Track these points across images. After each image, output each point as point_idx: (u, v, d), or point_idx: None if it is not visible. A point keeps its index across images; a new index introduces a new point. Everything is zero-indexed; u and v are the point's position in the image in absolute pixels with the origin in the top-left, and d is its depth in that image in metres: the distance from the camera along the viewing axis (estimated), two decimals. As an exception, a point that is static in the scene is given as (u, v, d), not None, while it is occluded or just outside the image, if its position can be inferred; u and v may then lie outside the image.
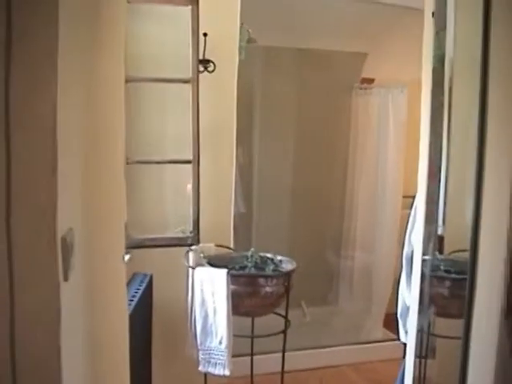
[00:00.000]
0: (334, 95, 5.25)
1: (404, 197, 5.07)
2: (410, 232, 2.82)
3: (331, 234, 5.42)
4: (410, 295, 2.64)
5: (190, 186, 3.54)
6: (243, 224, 4.86)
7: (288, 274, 3.33)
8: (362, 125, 5.09)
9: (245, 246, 4.46)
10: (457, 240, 2.86)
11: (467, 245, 2.21)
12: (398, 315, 3.00)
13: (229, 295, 3.10)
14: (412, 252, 2.68)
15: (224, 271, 3.11)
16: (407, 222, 2.91)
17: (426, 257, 2.56)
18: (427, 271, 2.52)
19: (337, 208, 5.40)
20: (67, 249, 1.40)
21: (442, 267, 2.76)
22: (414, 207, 2.80)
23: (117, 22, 2.01)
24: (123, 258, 2.14)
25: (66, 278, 1.39)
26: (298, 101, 5.18)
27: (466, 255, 3.06)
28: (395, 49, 4.99)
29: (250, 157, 5.13)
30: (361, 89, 5.15)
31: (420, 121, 2.54)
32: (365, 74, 5.24)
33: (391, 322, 4.97)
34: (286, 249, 4.95)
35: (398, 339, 3.07)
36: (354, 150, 5.24)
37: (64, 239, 1.38)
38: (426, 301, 2.50)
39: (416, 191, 2.80)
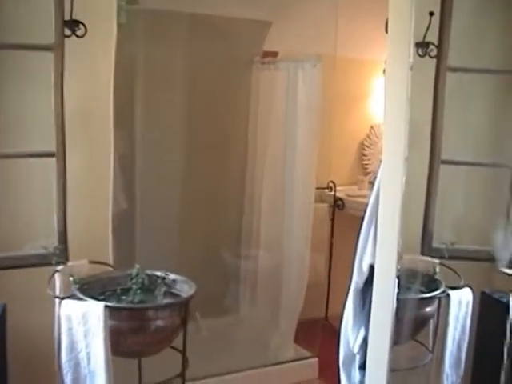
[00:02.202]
0: (232, 70, 4.50)
1: (318, 188, 4.44)
2: (362, 254, 2.11)
3: (229, 231, 4.69)
4: (357, 338, 1.96)
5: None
6: (125, 223, 4.05)
7: (185, 302, 2.56)
8: (266, 104, 4.38)
9: (127, 251, 3.79)
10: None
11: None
12: (340, 363, 2.29)
13: (107, 336, 2.31)
14: (365, 281, 1.99)
15: (100, 305, 2.30)
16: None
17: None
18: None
19: (235, 201, 4.68)
20: None
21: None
22: (367, 217, 2.08)
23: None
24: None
25: None
26: (189, 76, 4.34)
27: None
28: (304, 18, 4.31)
29: (132, 142, 4.25)
30: (263, 63, 4.42)
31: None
32: (267, 47, 4.51)
33: (303, 336, 4.37)
34: (175, 249, 4.28)
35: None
36: (254, 134, 4.53)
37: None
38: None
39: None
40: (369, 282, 2.10)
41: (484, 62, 3.01)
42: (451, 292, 2.61)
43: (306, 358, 4.12)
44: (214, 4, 4.07)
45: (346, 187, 4.98)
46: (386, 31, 2.09)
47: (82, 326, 2.31)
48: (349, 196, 4.86)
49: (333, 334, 4.68)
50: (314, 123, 4.11)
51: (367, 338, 2.06)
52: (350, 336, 2.16)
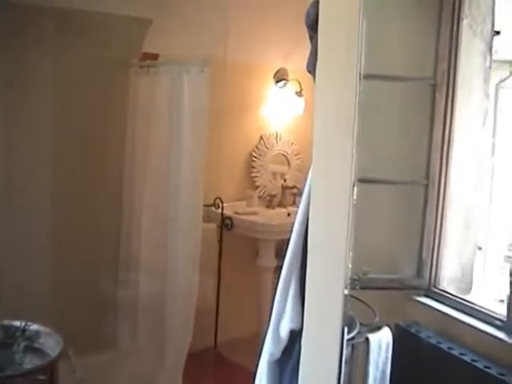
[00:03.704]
0: (105, 74, 4.00)
1: (205, 206, 4.05)
2: (280, 319, 1.66)
3: (105, 255, 4.17)
4: None
5: None
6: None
7: (51, 364, 2.05)
8: (146, 113, 3.92)
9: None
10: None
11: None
12: None
13: None
14: (287, 346, 1.55)
15: None
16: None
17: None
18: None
19: (112, 222, 4.18)
20: None
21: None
22: (286, 270, 1.64)
23: None
24: None
25: None
26: (56, 81, 3.83)
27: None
28: (189, 17, 3.89)
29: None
30: (142, 67, 3.95)
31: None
32: (147, 48, 4.04)
33: (192, 371, 3.89)
34: (45, 278, 3.83)
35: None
36: (133, 146, 4.06)
37: None
38: None
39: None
40: (288, 349, 1.67)
41: (393, 69, 2.71)
42: (370, 335, 2.23)
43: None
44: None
45: (234, 203, 4.59)
46: (309, 25, 1.66)
47: None
48: (237, 214, 4.46)
49: (224, 365, 4.33)
50: (201, 134, 3.69)
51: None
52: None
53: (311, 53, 1.68)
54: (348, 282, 1.44)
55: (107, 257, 4.15)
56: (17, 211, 3.75)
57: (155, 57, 4.04)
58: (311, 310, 1.49)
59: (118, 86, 4.05)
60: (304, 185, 1.70)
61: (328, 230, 1.47)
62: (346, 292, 1.41)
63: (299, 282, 1.64)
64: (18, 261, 3.69)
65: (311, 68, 1.65)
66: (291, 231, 1.68)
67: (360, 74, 1.37)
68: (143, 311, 4.01)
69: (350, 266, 1.45)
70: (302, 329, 1.53)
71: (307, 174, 1.62)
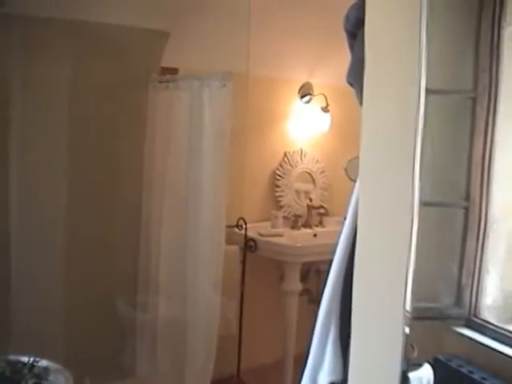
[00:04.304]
0: (123, 89, 3.86)
1: (228, 227, 3.86)
2: (317, 372, 1.46)
3: (123, 277, 4.01)
4: None
5: None
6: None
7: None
8: (165, 130, 3.77)
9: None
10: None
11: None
12: None
13: None
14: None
15: None
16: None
17: None
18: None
19: (129, 242, 4.02)
20: None
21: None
22: (324, 312, 1.45)
23: None
24: None
25: None
26: (71, 96, 3.69)
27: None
28: (208, 30, 3.74)
29: (6, 172, 3.57)
30: (161, 82, 3.80)
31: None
32: (165, 63, 3.91)
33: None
34: (59, 302, 3.69)
35: None
36: (151, 165, 3.92)
37: None
38: None
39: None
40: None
41: (430, 82, 2.53)
42: (410, 374, 2.03)
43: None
44: (98, 9, 3.45)
45: (258, 224, 4.40)
46: (348, 31, 1.48)
47: None
48: (261, 235, 4.27)
49: (247, 395, 4.15)
50: (223, 151, 3.54)
51: None
52: None
53: (352, 62, 1.50)
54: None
55: (125, 280, 3.99)
56: (30, 230, 3.62)
57: (174, 71, 3.90)
58: (358, 358, 1.30)
59: (136, 101, 3.91)
60: (347, 211, 1.51)
61: (383, 261, 1.29)
62: (407, 331, 1.21)
63: (340, 325, 1.44)
64: (28, 283, 3.56)
65: (352, 80, 1.48)
66: (329, 269, 1.49)
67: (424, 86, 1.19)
68: (163, 336, 3.84)
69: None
70: (343, 381, 1.34)
71: (350, 197, 1.44)
